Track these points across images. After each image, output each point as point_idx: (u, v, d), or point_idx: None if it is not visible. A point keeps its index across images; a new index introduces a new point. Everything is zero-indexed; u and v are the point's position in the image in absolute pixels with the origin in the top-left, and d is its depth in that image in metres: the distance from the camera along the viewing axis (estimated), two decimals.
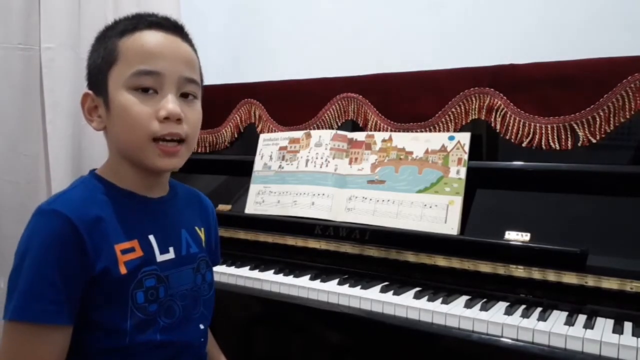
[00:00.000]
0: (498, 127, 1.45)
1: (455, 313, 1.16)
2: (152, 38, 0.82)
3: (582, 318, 1.13)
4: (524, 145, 1.41)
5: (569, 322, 1.10)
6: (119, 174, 0.85)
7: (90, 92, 0.85)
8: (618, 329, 1.06)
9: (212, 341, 1.04)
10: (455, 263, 1.32)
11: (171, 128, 0.80)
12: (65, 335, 0.76)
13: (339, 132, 1.63)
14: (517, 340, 1.09)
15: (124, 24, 0.83)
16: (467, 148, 1.41)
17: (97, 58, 0.84)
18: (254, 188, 1.71)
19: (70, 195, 0.81)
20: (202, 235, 0.95)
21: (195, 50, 0.88)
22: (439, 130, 1.52)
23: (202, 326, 0.90)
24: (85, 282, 0.76)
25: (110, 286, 0.77)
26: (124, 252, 0.79)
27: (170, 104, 0.80)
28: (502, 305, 1.22)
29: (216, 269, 1.47)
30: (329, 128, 1.72)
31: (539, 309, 1.19)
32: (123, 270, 0.78)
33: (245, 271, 1.50)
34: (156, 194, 0.89)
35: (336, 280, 1.39)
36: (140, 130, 0.79)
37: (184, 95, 0.83)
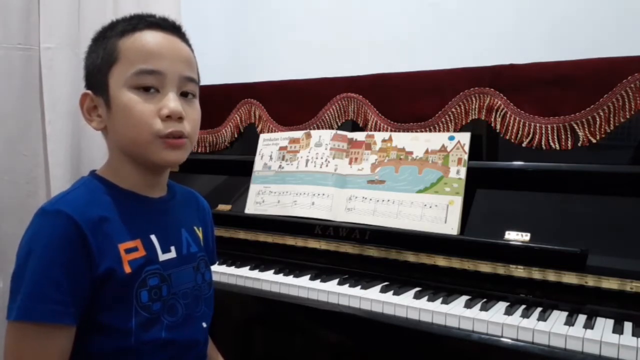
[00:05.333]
0: (498, 127, 1.45)
1: (455, 313, 1.16)
2: (152, 38, 0.83)
3: (582, 318, 1.13)
4: (524, 145, 1.41)
5: (569, 322, 1.10)
6: (120, 174, 0.85)
7: (89, 92, 0.85)
8: (618, 329, 1.06)
9: (209, 341, 1.04)
10: (455, 263, 1.32)
11: (173, 126, 0.81)
12: (69, 336, 0.76)
13: (339, 132, 1.63)
14: (517, 340, 1.09)
15: (123, 25, 0.84)
16: (467, 148, 1.41)
17: (96, 58, 0.84)
18: (254, 188, 1.71)
19: (73, 196, 0.81)
20: (200, 235, 0.96)
21: (192, 50, 0.89)
22: (439, 130, 1.52)
23: (204, 324, 0.91)
24: (90, 282, 0.76)
25: (115, 286, 0.78)
26: (128, 251, 0.80)
27: (172, 102, 0.81)
28: (502, 305, 1.22)
29: (216, 268, 1.48)
30: (329, 128, 1.72)
31: (539, 309, 1.19)
32: (127, 269, 0.79)
33: (245, 271, 1.50)
34: (156, 194, 0.89)
35: (336, 280, 1.39)
36: (144, 128, 0.80)
37: (183, 94, 0.85)
